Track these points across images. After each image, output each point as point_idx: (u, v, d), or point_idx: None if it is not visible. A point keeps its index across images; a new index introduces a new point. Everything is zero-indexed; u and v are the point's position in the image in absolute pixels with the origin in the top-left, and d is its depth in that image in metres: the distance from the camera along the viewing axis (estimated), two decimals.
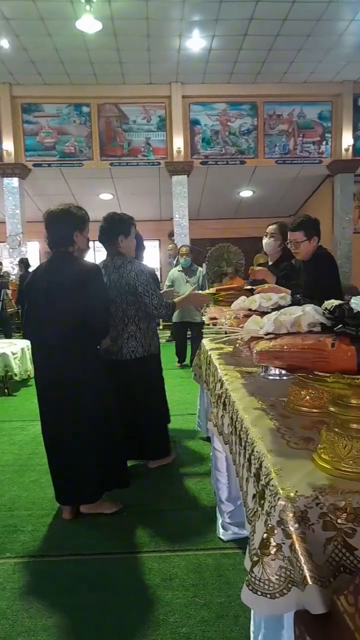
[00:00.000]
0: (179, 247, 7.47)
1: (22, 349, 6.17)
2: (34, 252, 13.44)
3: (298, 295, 1.92)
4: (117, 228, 3.10)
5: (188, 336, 6.54)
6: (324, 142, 9.91)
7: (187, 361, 6.51)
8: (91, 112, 9.58)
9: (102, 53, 8.02)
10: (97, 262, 2.99)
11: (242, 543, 2.36)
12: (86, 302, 2.47)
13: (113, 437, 2.71)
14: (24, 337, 2.85)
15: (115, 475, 2.75)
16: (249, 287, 3.65)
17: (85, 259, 2.74)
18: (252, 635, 1.23)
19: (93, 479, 2.65)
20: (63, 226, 2.56)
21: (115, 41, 7.66)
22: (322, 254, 3.19)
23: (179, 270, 6.48)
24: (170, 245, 8.40)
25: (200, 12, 7.01)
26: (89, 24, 6.67)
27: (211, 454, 2.69)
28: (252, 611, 1.26)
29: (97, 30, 6.86)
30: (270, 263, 3.69)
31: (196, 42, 7.83)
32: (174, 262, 6.79)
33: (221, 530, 2.44)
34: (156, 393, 3.28)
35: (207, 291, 3.55)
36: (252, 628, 1.24)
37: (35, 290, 2.58)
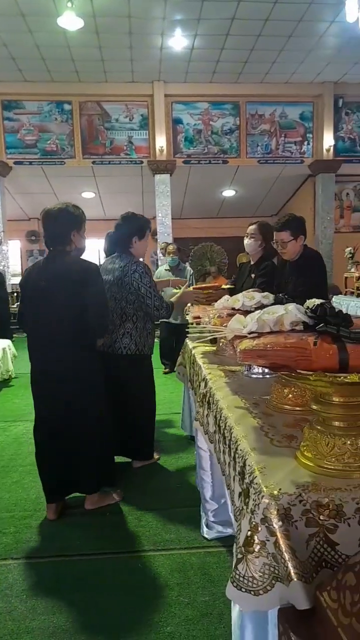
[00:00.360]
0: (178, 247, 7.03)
1: (4, 349, 6.10)
2: (15, 251, 13.30)
3: (281, 294, 1.94)
4: (132, 229, 3.16)
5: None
6: (305, 142, 9.99)
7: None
8: (73, 110, 9.50)
9: (83, 50, 7.96)
10: (98, 259, 3.03)
11: (226, 541, 2.37)
12: (85, 300, 2.50)
13: (107, 435, 2.76)
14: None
15: (105, 474, 2.78)
16: (227, 286, 3.67)
17: (83, 257, 2.76)
18: (235, 634, 1.23)
19: (93, 470, 2.69)
20: (60, 225, 2.58)
21: (97, 39, 7.61)
22: (310, 254, 3.19)
23: (166, 269, 6.23)
24: (163, 244, 8.06)
25: (183, 11, 7.00)
26: (70, 21, 6.61)
27: (195, 452, 2.69)
28: (232, 609, 1.27)
29: (79, 28, 6.80)
30: (252, 263, 3.70)
31: (178, 41, 7.82)
32: (169, 260, 6.49)
33: (205, 529, 2.45)
34: (146, 393, 3.28)
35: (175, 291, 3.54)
36: (233, 627, 1.25)
37: (32, 288, 2.60)
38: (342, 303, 7.08)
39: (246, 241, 3.59)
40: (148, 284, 3.05)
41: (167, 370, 6.20)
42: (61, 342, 2.53)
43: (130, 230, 3.16)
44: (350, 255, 7.67)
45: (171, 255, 6.31)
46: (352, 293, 7.43)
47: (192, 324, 2.79)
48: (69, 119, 9.51)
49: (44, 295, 2.53)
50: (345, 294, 7.77)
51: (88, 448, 2.65)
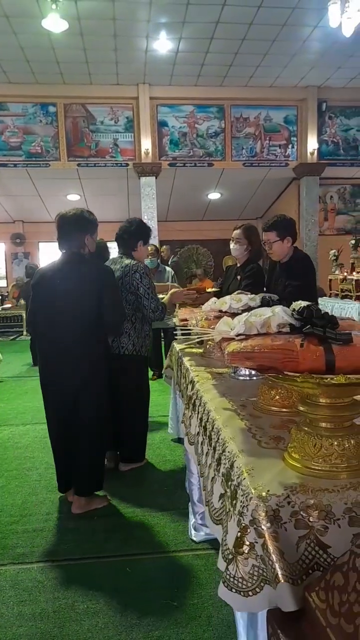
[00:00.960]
0: (156, 247, 6.42)
1: None
2: None
3: (267, 296, 1.95)
4: (140, 233, 3.28)
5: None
6: (290, 146, 10.06)
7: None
8: (58, 112, 9.44)
9: (68, 52, 7.92)
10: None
11: (214, 543, 2.37)
12: (99, 301, 2.62)
13: (104, 438, 2.83)
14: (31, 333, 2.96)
15: (99, 475, 2.83)
16: (213, 289, 3.68)
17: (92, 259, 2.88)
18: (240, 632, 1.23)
19: (86, 471, 2.74)
20: (76, 229, 2.70)
21: (82, 41, 7.58)
22: (299, 256, 3.20)
23: None
24: (151, 247, 7.19)
25: (167, 14, 7.01)
26: (55, 23, 6.56)
27: (184, 455, 2.69)
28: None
29: (64, 30, 6.76)
30: (238, 266, 3.72)
31: (163, 44, 7.82)
32: (148, 262, 6.12)
33: (193, 532, 2.45)
34: (140, 394, 3.31)
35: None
36: (237, 626, 1.24)
37: (46, 288, 2.69)
38: (327, 305, 7.15)
39: (232, 246, 3.60)
40: (147, 285, 3.11)
41: (154, 377, 5.93)
42: (76, 341, 2.61)
43: (138, 233, 3.28)
44: (335, 257, 7.73)
45: (149, 257, 5.89)
46: (336, 295, 7.49)
47: (179, 326, 2.79)
48: (54, 121, 9.45)
49: (59, 294, 2.63)
50: (329, 296, 7.83)
51: (87, 449, 2.71)
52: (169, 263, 9.02)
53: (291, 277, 3.07)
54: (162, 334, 6.12)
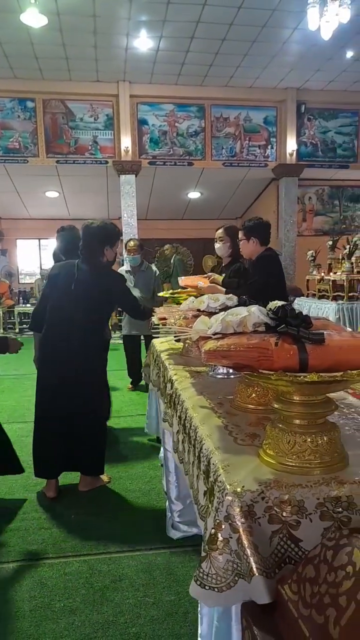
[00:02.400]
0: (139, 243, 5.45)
1: None
2: None
3: (244, 297, 1.97)
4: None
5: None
6: (269, 146, 10.15)
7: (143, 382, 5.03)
8: (36, 108, 9.33)
9: (47, 48, 7.83)
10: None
11: (191, 541, 2.39)
12: (105, 302, 2.94)
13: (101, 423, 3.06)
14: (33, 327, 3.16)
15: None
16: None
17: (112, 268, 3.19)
18: (200, 629, 1.25)
19: (98, 455, 2.97)
20: (96, 239, 2.95)
21: (62, 37, 7.51)
22: (262, 255, 3.31)
23: (126, 271, 5.24)
24: (133, 242, 5.59)
25: (148, 12, 6.99)
26: (33, 18, 6.50)
27: (162, 454, 2.70)
28: (199, 606, 1.29)
29: (43, 25, 6.70)
30: (224, 265, 3.80)
31: (144, 42, 7.80)
32: (129, 259, 5.37)
33: (171, 530, 2.46)
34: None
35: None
36: (200, 623, 1.26)
37: (63, 279, 2.93)
38: (304, 305, 7.24)
39: (216, 245, 3.71)
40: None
41: (131, 387, 5.54)
42: (80, 335, 2.83)
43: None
44: (312, 258, 7.83)
45: (132, 253, 5.26)
46: (313, 295, 7.59)
47: (157, 324, 2.80)
48: (32, 117, 9.34)
49: (70, 294, 2.87)
50: (307, 296, 7.93)
51: (98, 435, 2.94)
52: (172, 261, 9.04)
53: (264, 274, 3.19)
54: (142, 338, 5.47)
